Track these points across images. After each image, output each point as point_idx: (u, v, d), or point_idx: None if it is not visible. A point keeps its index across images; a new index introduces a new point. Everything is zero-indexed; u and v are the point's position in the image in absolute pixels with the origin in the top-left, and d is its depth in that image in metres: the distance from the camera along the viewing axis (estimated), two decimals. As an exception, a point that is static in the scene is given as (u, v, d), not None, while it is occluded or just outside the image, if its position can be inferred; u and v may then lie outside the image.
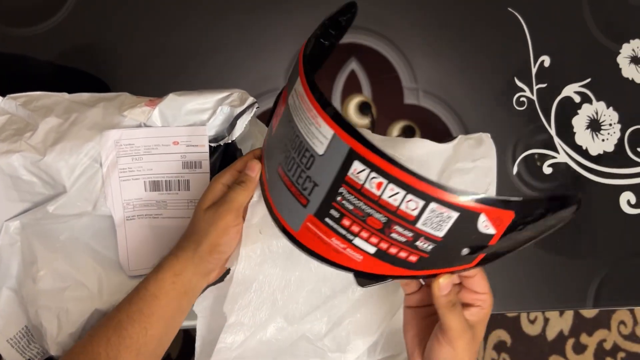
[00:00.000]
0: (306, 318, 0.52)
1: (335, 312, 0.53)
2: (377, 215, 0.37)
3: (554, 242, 0.66)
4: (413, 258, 0.39)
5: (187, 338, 1.21)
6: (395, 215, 0.36)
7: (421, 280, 0.46)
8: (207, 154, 0.52)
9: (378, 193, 0.36)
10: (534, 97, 0.68)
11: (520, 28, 0.69)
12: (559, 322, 1.46)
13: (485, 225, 0.36)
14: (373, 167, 0.35)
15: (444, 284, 0.40)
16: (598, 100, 0.70)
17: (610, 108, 0.70)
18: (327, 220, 0.39)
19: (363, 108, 0.66)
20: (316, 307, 0.52)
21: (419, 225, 0.36)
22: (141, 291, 0.45)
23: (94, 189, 0.51)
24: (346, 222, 0.38)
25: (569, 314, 1.47)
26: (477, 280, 0.43)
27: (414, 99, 0.67)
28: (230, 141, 0.52)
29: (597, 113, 0.69)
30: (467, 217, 0.35)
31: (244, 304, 0.48)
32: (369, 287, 0.42)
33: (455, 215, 0.35)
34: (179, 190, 0.53)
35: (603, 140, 0.69)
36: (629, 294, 0.67)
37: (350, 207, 0.37)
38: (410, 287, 0.46)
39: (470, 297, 0.43)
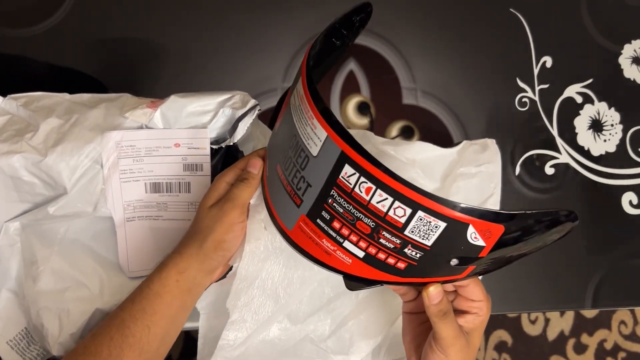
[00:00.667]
0: (310, 319, 0.52)
1: (338, 313, 0.53)
2: (366, 220, 0.37)
3: (555, 242, 0.66)
4: (401, 265, 0.39)
5: (188, 339, 1.21)
6: (383, 221, 0.36)
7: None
8: (209, 157, 0.52)
9: (367, 198, 0.36)
10: (536, 98, 0.68)
11: (522, 29, 0.69)
12: (560, 323, 1.46)
13: (474, 236, 0.35)
14: (363, 172, 0.35)
15: (433, 293, 0.40)
16: (600, 100, 0.69)
17: (612, 109, 0.70)
18: (319, 221, 0.39)
19: (362, 108, 0.65)
20: (319, 307, 0.52)
21: (406, 232, 0.36)
22: (144, 290, 0.45)
23: (94, 190, 0.51)
24: (336, 224, 0.39)
25: (570, 314, 1.47)
26: (472, 289, 0.42)
27: (412, 99, 0.66)
28: (231, 143, 0.52)
29: (599, 114, 0.69)
30: (455, 227, 0.35)
31: (246, 300, 0.48)
32: (360, 291, 0.42)
33: (442, 225, 0.35)
34: (179, 192, 0.53)
35: (605, 140, 0.69)
36: (629, 294, 0.67)
37: (341, 210, 0.38)
38: (407, 295, 0.46)
39: (465, 304, 0.43)
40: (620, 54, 0.71)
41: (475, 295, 0.42)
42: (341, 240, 0.39)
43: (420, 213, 0.35)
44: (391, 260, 0.39)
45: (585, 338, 1.46)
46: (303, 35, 0.65)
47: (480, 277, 0.43)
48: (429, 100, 0.66)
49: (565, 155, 0.68)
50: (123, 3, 0.64)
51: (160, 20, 0.64)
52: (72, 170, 0.50)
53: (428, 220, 0.35)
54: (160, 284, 0.45)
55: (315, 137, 0.37)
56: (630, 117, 0.70)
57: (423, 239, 0.36)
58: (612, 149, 0.69)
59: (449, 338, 0.41)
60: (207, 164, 0.52)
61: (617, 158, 0.69)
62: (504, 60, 0.68)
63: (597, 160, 0.68)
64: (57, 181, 0.50)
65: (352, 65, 0.66)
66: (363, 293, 0.53)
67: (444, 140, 0.65)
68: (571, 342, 1.46)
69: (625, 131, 0.70)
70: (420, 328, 0.46)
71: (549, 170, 0.67)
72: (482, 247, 0.36)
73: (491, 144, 0.61)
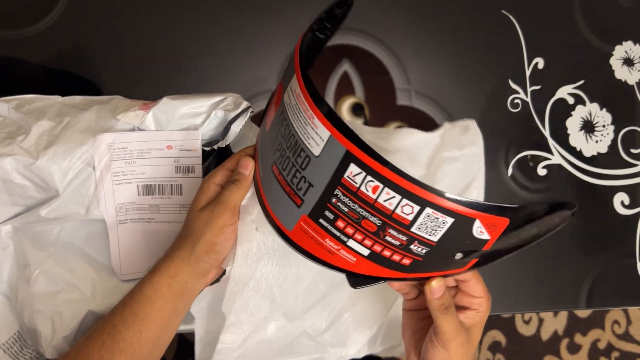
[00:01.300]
0: (306, 315, 0.52)
1: (333, 306, 0.53)
2: (372, 219, 0.37)
3: (547, 243, 0.66)
4: (406, 261, 0.39)
5: (182, 342, 1.20)
6: (390, 219, 0.36)
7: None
8: (200, 159, 0.52)
9: (374, 196, 0.35)
10: (528, 99, 0.68)
11: (514, 30, 0.69)
12: (554, 323, 1.46)
13: (480, 230, 0.36)
14: (369, 171, 0.35)
15: (436, 287, 0.41)
16: (592, 101, 0.70)
17: (604, 109, 0.70)
18: (322, 221, 0.39)
19: (356, 109, 0.66)
20: (315, 303, 0.52)
21: (413, 229, 0.36)
22: (136, 294, 0.45)
23: (86, 193, 0.51)
24: (340, 223, 0.38)
25: (563, 315, 1.47)
26: (473, 284, 0.43)
27: (406, 100, 0.67)
28: (224, 145, 0.52)
29: (590, 114, 0.70)
30: (462, 222, 0.35)
31: (242, 302, 0.48)
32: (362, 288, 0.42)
33: (450, 220, 0.35)
34: (171, 194, 0.53)
35: (597, 141, 0.69)
36: (622, 294, 0.68)
37: (345, 209, 0.37)
38: (410, 294, 0.46)
39: (466, 300, 0.43)
40: (612, 55, 0.71)
41: (476, 292, 0.43)
42: (345, 239, 0.39)
43: (428, 210, 0.35)
44: (397, 257, 0.38)
45: (578, 338, 1.47)
46: (297, 36, 0.65)
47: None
48: (423, 101, 0.67)
49: (557, 156, 0.68)
50: (116, 5, 0.63)
51: (152, 23, 0.64)
52: (64, 172, 0.49)
53: (436, 216, 0.35)
54: (152, 288, 0.45)
55: (317, 136, 0.37)
56: (622, 117, 0.70)
57: (430, 235, 0.36)
58: (603, 149, 0.69)
59: (450, 332, 0.41)
60: (199, 165, 0.52)
61: (609, 159, 0.69)
62: (497, 61, 0.69)
63: (589, 161, 0.69)
64: (49, 184, 0.50)
65: (346, 67, 0.66)
66: None
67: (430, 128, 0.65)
68: (565, 342, 1.46)
69: (616, 132, 0.70)
70: (420, 324, 0.46)
71: (541, 171, 0.68)
72: (486, 241, 0.36)
73: (472, 124, 0.60)
